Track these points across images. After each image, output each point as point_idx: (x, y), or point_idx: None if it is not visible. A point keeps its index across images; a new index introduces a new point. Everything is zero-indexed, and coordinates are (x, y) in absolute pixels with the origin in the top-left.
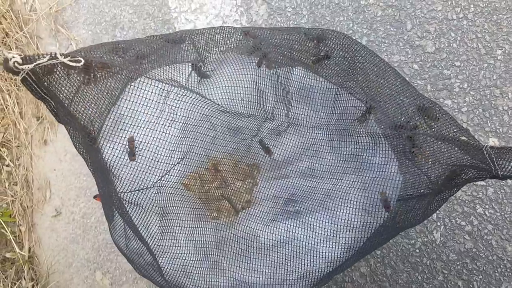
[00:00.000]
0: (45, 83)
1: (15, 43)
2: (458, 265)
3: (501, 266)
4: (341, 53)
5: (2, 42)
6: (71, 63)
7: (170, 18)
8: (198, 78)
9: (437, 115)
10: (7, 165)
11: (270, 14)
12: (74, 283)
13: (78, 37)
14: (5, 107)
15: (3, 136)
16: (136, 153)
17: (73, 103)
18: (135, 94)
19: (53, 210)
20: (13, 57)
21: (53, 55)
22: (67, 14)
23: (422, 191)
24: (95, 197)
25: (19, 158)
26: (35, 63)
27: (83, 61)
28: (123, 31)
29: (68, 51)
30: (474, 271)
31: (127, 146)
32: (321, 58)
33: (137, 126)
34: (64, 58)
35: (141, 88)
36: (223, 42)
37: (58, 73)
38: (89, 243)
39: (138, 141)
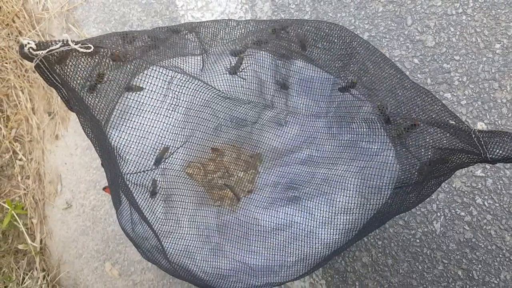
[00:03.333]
0: (57, 70)
1: None
2: (458, 255)
3: (500, 256)
4: (341, 48)
5: (15, 41)
6: (81, 49)
7: (177, 16)
8: (201, 65)
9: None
10: (20, 159)
11: (274, 10)
12: (84, 273)
13: (89, 35)
14: (18, 103)
15: (16, 131)
16: (163, 161)
17: (83, 91)
18: (142, 80)
19: (64, 202)
20: (28, 43)
21: (65, 42)
22: (78, 13)
23: (416, 177)
24: (104, 188)
25: (31, 153)
26: (48, 49)
27: (92, 47)
28: (132, 29)
29: None
30: (474, 261)
31: (157, 153)
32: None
33: (143, 110)
34: (75, 44)
35: (148, 75)
36: (226, 34)
37: (71, 61)
38: (98, 234)
39: (142, 124)
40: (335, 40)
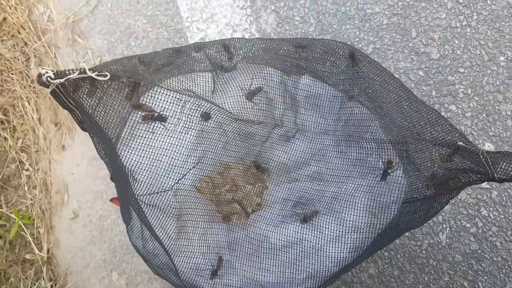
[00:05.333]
0: (72, 95)
1: (33, 52)
2: (464, 266)
3: (506, 267)
4: (346, 62)
5: (21, 51)
6: (98, 77)
7: (182, 27)
8: (212, 88)
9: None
10: (27, 170)
11: (278, 22)
12: (91, 283)
13: (94, 46)
14: (24, 114)
15: (22, 141)
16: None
17: (95, 112)
18: (152, 103)
19: (71, 212)
20: (46, 72)
21: (82, 70)
22: (84, 24)
23: (425, 193)
24: (111, 200)
25: (38, 163)
26: (65, 78)
27: (109, 75)
28: (137, 40)
29: (85, 59)
30: (479, 272)
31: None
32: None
33: (154, 133)
34: (92, 72)
35: (158, 98)
36: (234, 52)
37: (85, 86)
38: (105, 244)
39: (154, 146)
40: (341, 57)
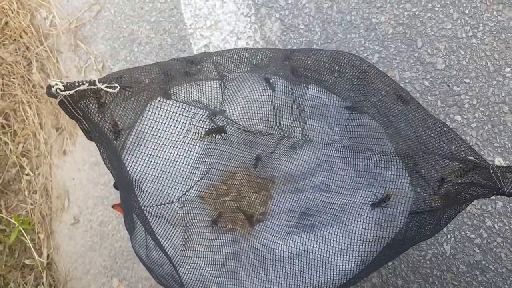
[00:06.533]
0: (80, 105)
1: (35, 57)
2: (468, 277)
3: (510, 279)
4: (353, 72)
5: (22, 56)
6: (108, 90)
7: (186, 34)
8: (221, 98)
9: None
10: (27, 174)
11: (283, 31)
12: None
13: (97, 52)
14: (25, 118)
15: (23, 146)
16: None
17: (102, 121)
18: (158, 114)
19: (72, 218)
20: (56, 84)
21: (91, 82)
22: (86, 29)
23: (432, 205)
24: (113, 206)
25: (39, 168)
26: (75, 90)
27: (118, 87)
28: (140, 46)
29: (87, 64)
30: (484, 283)
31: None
32: None
33: (161, 144)
34: (102, 84)
35: (165, 109)
36: (242, 63)
37: (91, 97)
38: (106, 250)
39: (162, 158)
40: (347, 66)
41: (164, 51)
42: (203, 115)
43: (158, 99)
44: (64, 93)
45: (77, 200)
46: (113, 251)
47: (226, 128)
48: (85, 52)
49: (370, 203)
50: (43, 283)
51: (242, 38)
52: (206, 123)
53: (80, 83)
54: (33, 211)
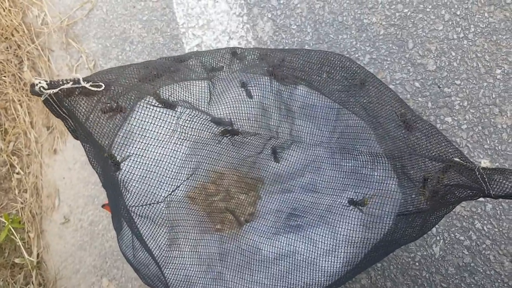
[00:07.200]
0: (65, 104)
1: (27, 55)
2: (457, 279)
3: (499, 281)
4: (342, 73)
5: (14, 54)
6: (93, 88)
7: (178, 34)
8: (208, 98)
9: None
10: (18, 173)
11: (275, 31)
12: None
13: (88, 50)
14: (16, 117)
15: (14, 144)
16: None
17: (88, 121)
18: (146, 114)
19: (62, 217)
20: (40, 82)
21: (76, 80)
22: (78, 27)
23: (420, 207)
24: (103, 206)
25: (29, 166)
26: (59, 88)
27: (103, 86)
28: (132, 45)
29: (78, 63)
30: (472, 285)
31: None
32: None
33: (148, 143)
34: (86, 83)
35: (152, 109)
36: (231, 62)
37: (78, 95)
38: (96, 250)
39: (148, 157)
40: (337, 67)
41: (156, 50)
42: (190, 115)
43: (146, 99)
44: (48, 91)
45: (68, 199)
46: (103, 250)
47: (214, 128)
48: (76, 50)
49: (348, 199)
50: (32, 282)
51: (234, 38)
52: (193, 123)
53: (64, 82)
54: (23, 210)
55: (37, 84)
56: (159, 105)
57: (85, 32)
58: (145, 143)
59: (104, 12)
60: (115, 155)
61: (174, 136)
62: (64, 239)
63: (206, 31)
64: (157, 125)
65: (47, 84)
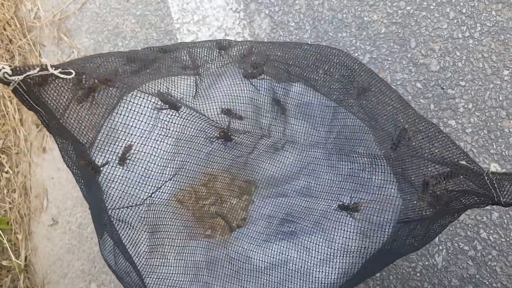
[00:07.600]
0: (36, 94)
1: (18, 50)
2: None
3: None
4: (341, 71)
5: (5, 49)
6: (61, 75)
7: (173, 29)
8: (194, 91)
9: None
10: (6, 172)
11: (272, 28)
12: None
13: (80, 45)
14: (6, 114)
15: (3, 142)
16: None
17: (65, 115)
18: (129, 108)
19: (50, 219)
20: (3, 67)
21: (43, 67)
22: (71, 22)
23: (422, 214)
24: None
25: (18, 165)
26: (25, 74)
27: (73, 73)
28: (125, 41)
29: (70, 59)
30: None
31: (120, 154)
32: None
33: (130, 141)
34: (55, 70)
35: (134, 102)
36: (220, 55)
37: (51, 84)
38: (84, 254)
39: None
40: (336, 65)
41: (150, 46)
42: (172, 109)
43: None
44: (13, 78)
45: (56, 200)
46: (92, 254)
47: (199, 124)
48: (68, 45)
49: (339, 203)
50: (19, 286)
51: (230, 34)
52: (176, 118)
53: (31, 67)
54: (11, 210)
55: (0, 70)
56: (164, 106)
57: (78, 27)
58: (121, 139)
59: (97, 6)
60: (95, 158)
61: (154, 132)
62: (52, 242)
63: (201, 27)
64: (135, 119)
65: (11, 69)
